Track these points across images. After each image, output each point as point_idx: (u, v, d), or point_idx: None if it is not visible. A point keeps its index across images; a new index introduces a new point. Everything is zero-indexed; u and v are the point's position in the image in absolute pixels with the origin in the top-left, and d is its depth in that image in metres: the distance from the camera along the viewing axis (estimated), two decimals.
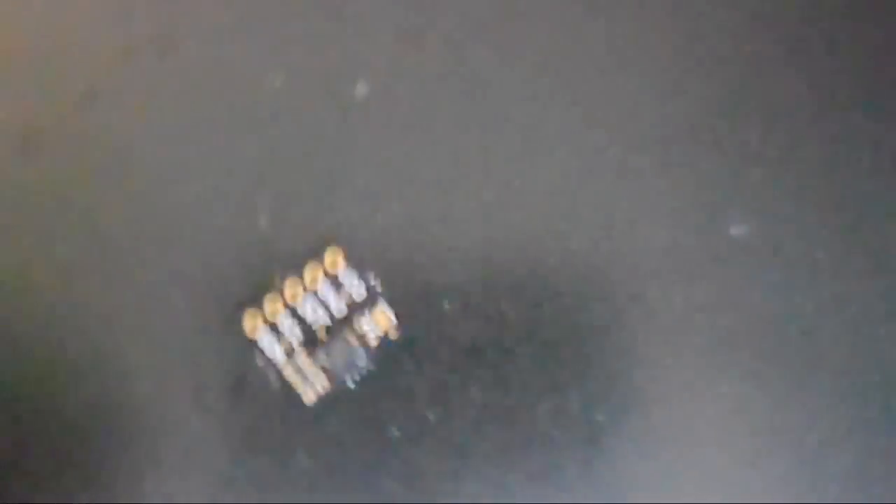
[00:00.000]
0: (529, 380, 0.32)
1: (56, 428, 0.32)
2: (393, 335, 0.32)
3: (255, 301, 0.32)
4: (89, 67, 0.33)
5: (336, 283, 0.32)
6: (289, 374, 0.32)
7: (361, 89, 0.33)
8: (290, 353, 0.32)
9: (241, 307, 0.32)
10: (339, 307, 0.32)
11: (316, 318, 0.32)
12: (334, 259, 0.32)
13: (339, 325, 0.32)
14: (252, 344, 0.32)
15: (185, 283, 0.33)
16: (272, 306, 0.32)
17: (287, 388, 0.32)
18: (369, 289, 0.32)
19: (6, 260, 0.33)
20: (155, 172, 0.33)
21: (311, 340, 0.32)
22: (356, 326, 0.32)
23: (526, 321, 0.32)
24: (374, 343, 0.32)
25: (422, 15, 0.33)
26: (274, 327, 0.32)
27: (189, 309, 0.32)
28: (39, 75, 0.34)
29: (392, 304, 0.32)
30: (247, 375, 0.32)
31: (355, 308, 0.32)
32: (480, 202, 0.33)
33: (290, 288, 0.32)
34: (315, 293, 0.32)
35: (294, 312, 0.32)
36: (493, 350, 0.32)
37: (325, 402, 0.32)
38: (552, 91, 0.33)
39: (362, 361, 0.32)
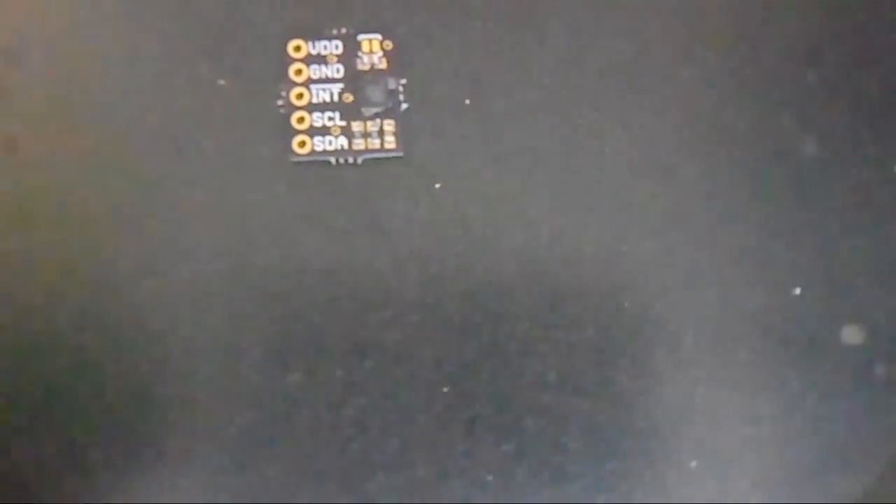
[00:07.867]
0: None
1: None
2: (389, 47, 0.34)
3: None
4: None
5: (317, 59, 0.33)
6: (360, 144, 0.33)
7: None
8: (346, 132, 0.33)
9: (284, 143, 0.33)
10: (335, 71, 0.33)
11: (330, 95, 0.33)
12: (297, 45, 0.33)
13: (351, 80, 0.33)
14: (318, 155, 0.33)
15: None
16: (300, 120, 0.33)
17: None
18: (341, 38, 0.33)
19: None
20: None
21: (347, 112, 0.33)
22: (360, 67, 0.33)
23: None
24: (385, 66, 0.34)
25: None
26: (316, 131, 0.33)
27: None
28: None
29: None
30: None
31: (345, 59, 0.34)
32: None
33: (294, 94, 0.33)
34: (311, 82, 0.33)
35: (314, 108, 0.33)
36: None
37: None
38: None
39: (391, 83, 0.33)
